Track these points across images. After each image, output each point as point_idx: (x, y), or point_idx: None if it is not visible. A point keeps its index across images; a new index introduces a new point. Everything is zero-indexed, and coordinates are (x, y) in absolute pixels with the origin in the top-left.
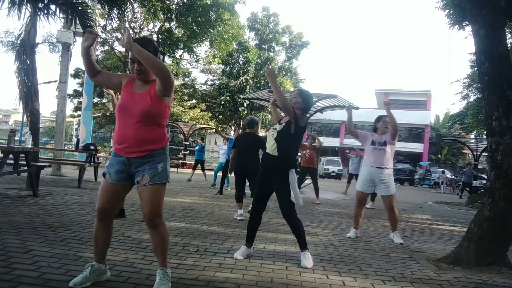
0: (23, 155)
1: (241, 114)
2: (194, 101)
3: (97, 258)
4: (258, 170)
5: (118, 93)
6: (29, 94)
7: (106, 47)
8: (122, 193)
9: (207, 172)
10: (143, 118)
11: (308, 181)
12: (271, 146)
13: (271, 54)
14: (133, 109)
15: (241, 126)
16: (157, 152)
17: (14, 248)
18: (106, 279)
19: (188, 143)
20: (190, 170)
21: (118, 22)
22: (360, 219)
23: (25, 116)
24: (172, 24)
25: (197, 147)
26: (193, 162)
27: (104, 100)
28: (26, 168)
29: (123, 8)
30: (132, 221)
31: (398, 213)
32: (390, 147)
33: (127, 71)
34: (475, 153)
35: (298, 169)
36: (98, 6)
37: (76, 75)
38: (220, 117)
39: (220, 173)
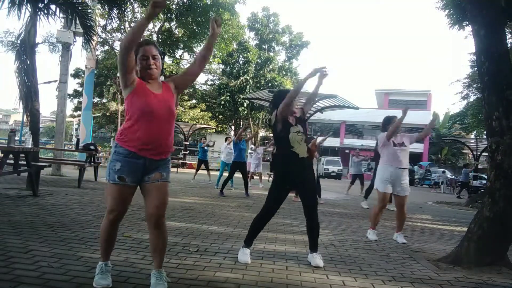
0: (23, 155)
1: (241, 114)
2: (194, 101)
3: (106, 257)
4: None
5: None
6: (29, 94)
7: (106, 47)
8: (134, 191)
9: (211, 172)
10: (171, 118)
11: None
12: (303, 150)
13: (271, 54)
14: (162, 110)
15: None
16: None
17: (14, 248)
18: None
19: (188, 143)
20: (190, 170)
21: (118, 22)
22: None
23: (25, 116)
24: (172, 24)
25: (205, 148)
26: (196, 162)
27: (104, 100)
28: (26, 168)
29: (123, 8)
30: (132, 221)
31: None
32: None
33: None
34: (475, 153)
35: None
36: (98, 6)
37: (76, 75)
38: (220, 117)
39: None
